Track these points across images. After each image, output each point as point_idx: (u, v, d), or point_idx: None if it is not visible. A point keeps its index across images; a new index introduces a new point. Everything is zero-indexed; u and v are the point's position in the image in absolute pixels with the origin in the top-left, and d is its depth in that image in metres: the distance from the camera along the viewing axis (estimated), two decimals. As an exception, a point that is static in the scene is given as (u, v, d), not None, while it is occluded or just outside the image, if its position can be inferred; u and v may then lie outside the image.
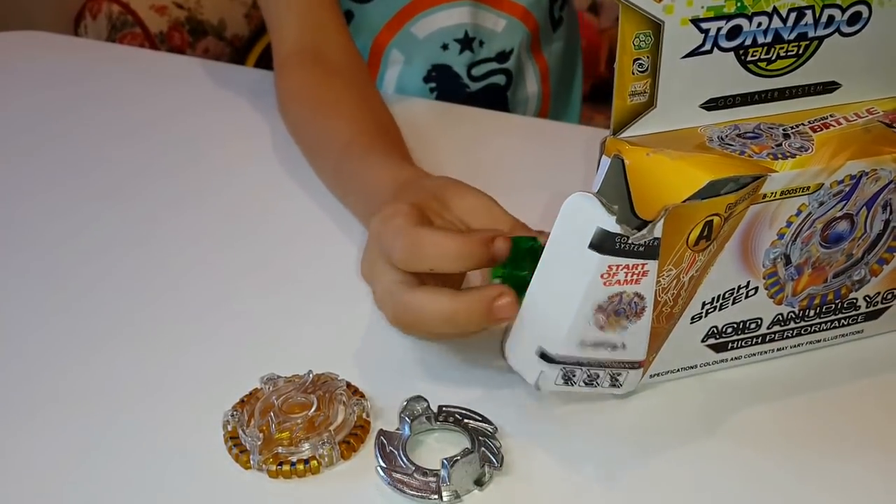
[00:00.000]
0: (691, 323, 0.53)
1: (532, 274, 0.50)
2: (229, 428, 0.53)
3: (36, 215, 0.75)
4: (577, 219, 0.46)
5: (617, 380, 0.53)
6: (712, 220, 0.47)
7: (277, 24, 0.79)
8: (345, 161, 0.69)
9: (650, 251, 0.46)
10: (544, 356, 0.51)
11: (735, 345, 0.56)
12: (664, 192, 0.48)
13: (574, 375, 0.52)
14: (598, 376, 0.52)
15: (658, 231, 0.45)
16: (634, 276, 0.47)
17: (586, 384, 0.52)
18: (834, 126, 0.52)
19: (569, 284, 0.48)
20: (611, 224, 0.45)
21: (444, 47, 0.97)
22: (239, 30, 1.94)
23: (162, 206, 0.77)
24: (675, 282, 0.49)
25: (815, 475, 0.51)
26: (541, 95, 1.08)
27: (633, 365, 0.52)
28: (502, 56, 1.00)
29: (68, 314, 0.64)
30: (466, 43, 0.97)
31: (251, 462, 0.51)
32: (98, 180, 0.80)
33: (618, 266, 0.46)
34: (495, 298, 0.50)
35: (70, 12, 1.94)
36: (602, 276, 0.46)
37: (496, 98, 1.03)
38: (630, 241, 0.45)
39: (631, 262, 0.46)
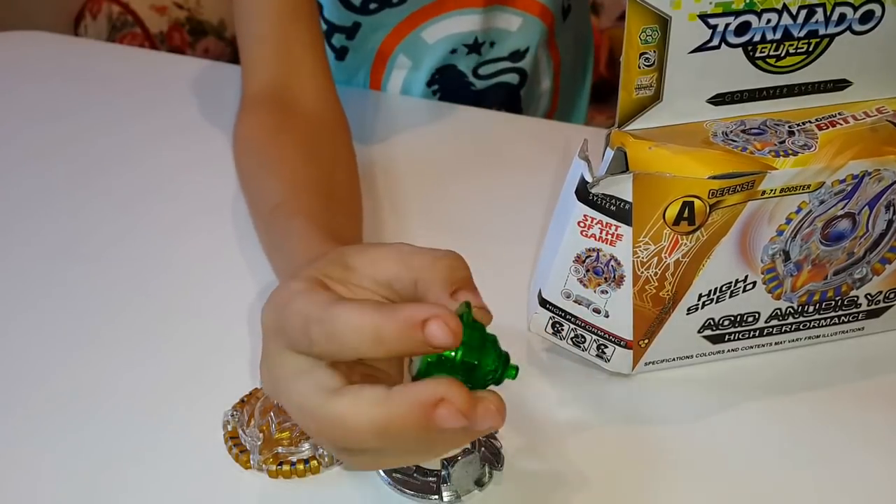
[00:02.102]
0: (687, 314, 0.56)
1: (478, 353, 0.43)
2: (229, 428, 0.54)
3: (36, 214, 0.77)
4: (575, 172, 0.51)
5: (604, 351, 0.56)
6: (693, 203, 0.50)
7: (250, 61, 0.76)
8: (271, 223, 0.63)
9: (622, 214, 0.50)
10: (541, 298, 0.56)
11: (732, 337, 0.58)
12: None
13: (562, 328, 0.56)
14: (585, 339, 0.56)
15: (626, 193, 0.50)
16: (609, 237, 0.51)
17: (574, 343, 0.57)
18: (841, 124, 0.54)
19: (560, 229, 0.53)
20: (587, 174, 0.50)
21: (453, 52, 0.96)
22: (239, 30, 1.95)
23: (162, 204, 0.78)
24: (655, 258, 0.52)
25: (810, 469, 0.53)
26: (552, 91, 1.07)
27: (620, 342, 0.56)
28: (516, 55, 1.00)
29: (66, 312, 0.65)
30: (475, 47, 0.96)
31: (251, 462, 0.52)
32: (98, 180, 0.81)
33: (592, 219, 0.51)
34: (434, 404, 0.40)
35: (70, 12, 1.95)
36: (579, 224, 0.51)
37: (508, 97, 1.03)
38: (600, 195, 0.50)
39: (605, 218, 0.51)
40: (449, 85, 1.00)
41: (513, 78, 1.02)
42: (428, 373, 0.41)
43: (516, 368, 0.44)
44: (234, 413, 0.54)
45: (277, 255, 0.61)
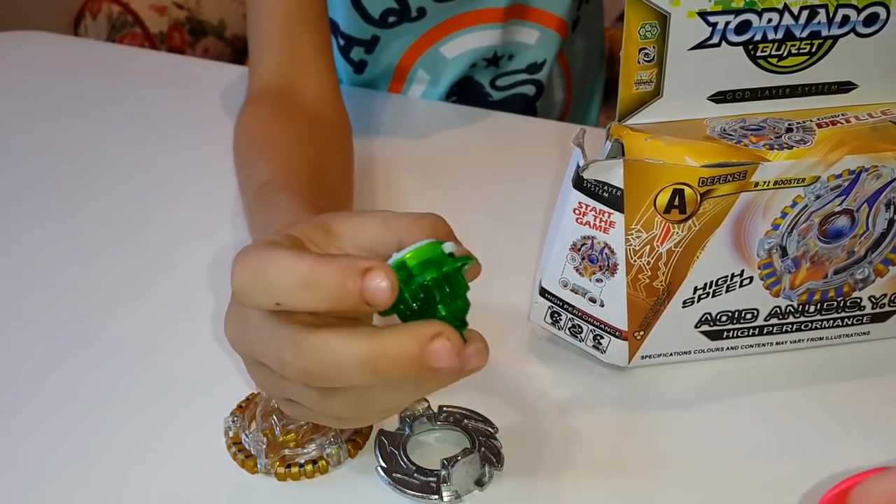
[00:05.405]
0: (683, 307, 0.58)
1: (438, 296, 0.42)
2: (231, 434, 0.56)
3: (36, 214, 0.79)
4: (573, 162, 0.54)
5: (600, 342, 0.59)
6: (683, 190, 0.52)
7: (256, 60, 0.79)
8: (256, 199, 0.64)
9: (614, 200, 0.53)
10: (540, 287, 0.59)
11: (731, 334, 0.60)
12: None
13: (560, 318, 0.59)
14: (582, 329, 0.59)
15: (617, 179, 0.52)
16: (602, 224, 0.54)
17: (571, 333, 0.59)
18: (843, 124, 0.56)
19: (558, 218, 0.56)
20: (581, 161, 0.53)
21: (472, 66, 0.99)
22: (239, 30, 1.97)
23: (163, 204, 0.80)
24: (647, 247, 0.54)
25: (808, 468, 0.54)
26: (564, 101, 1.10)
27: (616, 332, 0.58)
28: (533, 67, 1.03)
29: (64, 312, 0.67)
30: (493, 61, 0.99)
31: (258, 466, 0.54)
32: (98, 180, 0.83)
33: (587, 206, 0.54)
34: (430, 338, 0.40)
35: (70, 12, 1.98)
36: (574, 212, 0.54)
37: (525, 108, 1.07)
38: (594, 181, 0.53)
39: (598, 205, 0.53)
40: (466, 96, 1.04)
41: (529, 89, 1.05)
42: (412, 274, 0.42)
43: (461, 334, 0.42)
44: (235, 418, 0.56)
45: (258, 230, 0.61)
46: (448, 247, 0.42)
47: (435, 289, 0.42)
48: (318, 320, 0.43)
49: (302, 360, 0.41)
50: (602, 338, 0.59)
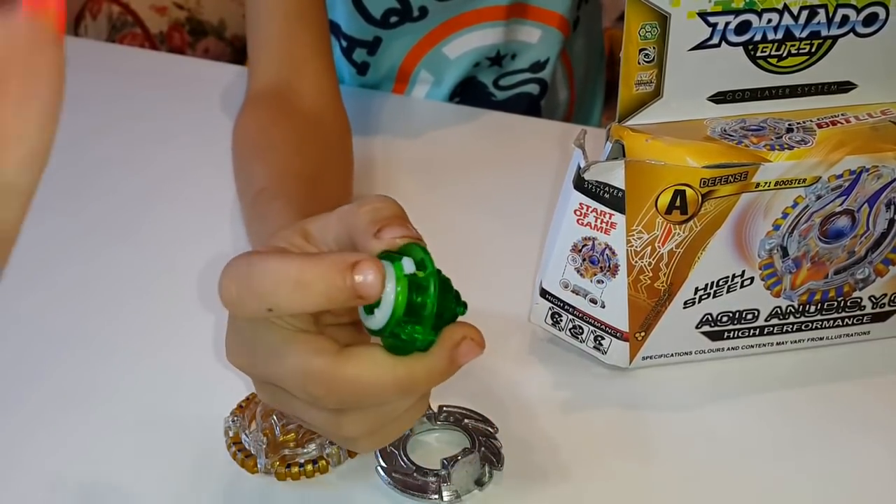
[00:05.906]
0: (684, 308, 0.58)
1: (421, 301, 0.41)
2: (231, 434, 0.56)
3: (36, 215, 0.76)
4: (574, 163, 0.54)
5: (601, 343, 0.59)
6: (684, 191, 0.52)
7: (256, 61, 0.79)
8: (253, 206, 0.64)
9: (615, 201, 0.53)
10: (541, 288, 0.59)
11: (731, 335, 0.60)
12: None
13: (561, 319, 0.59)
14: (583, 330, 0.59)
15: (618, 180, 0.53)
16: (603, 225, 0.54)
17: (572, 334, 0.59)
18: (843, 124, 0.56)
19: (559, 219, 0.56)
20: (582, 162, 0.53)
21: (476, 65, 0.99)
22: (239, 30, 1.97)
23: (163, 205, 0.80)
24: (649, 248, 0.54)
25: (809, 470, 0.55)
26: (568, 101, 1.10)
27: (617, 333, 0.58)
28: (537, 66, 1.03)
29: (65, 312, 0.68)
30: (496, 60, 0.99)
31: (258, 466, 0.54)
32: (98, 180, 0.83)
33: (588, 207, 0.54)
34: (456, 344, 0.42)
35: (70, 12, 1.97)
36: (575, 213, 0.54)
37: (529, 107, 1.06)
38: (595, 182, 0.53)
39: (599, 206, 0.54)
40: (470, 96, 1.03)
41: (533, 88, 1.05)
42: (398, 325, 0.41)
43: (465, 305, 0.44)
44: (235, 418, 0.56)
45: (255, 237, 0.62)
46: (407, 265, 0.41)
47: (439, 300, 0.41)
48: (319, 328, 0.44)
49: (336, 395, 0.42)
50: (603, 339, 0.59)
